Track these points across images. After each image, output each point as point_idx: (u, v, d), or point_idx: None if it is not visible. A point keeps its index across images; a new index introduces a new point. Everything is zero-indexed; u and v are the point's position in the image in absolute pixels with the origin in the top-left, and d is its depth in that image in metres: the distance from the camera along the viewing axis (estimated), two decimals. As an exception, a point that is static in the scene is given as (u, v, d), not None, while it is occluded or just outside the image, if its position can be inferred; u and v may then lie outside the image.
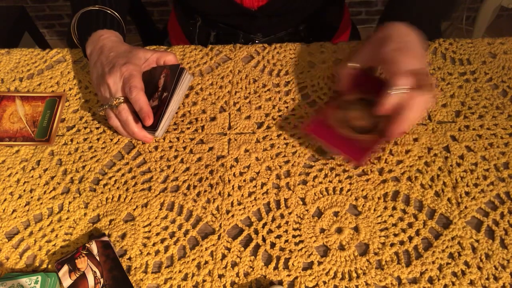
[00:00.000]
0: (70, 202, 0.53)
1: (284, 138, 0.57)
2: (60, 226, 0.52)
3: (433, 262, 0.47)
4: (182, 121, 0.60)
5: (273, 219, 0.51)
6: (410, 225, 0.50)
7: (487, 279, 0.46)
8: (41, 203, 0.53)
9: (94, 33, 0.59)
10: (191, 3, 0.77)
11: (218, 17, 0.75)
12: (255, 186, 0.54)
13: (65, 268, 0.46)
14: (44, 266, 0.49)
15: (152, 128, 0.55)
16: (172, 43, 0.89)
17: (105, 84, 0.55)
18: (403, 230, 0.50)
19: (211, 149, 0.57)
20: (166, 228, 0.51)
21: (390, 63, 0.49)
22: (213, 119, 0.60)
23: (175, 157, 0.57)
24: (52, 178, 0.56)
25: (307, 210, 0.51)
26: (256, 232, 0.50)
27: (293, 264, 0.48)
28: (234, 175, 0.55)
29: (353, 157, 0.52)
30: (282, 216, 0.51)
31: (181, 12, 0.83)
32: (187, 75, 0.58)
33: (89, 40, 0.59)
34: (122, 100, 0.54)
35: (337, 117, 0.54)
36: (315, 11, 0.75)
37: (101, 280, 0.46)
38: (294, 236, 0.50)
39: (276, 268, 0.48)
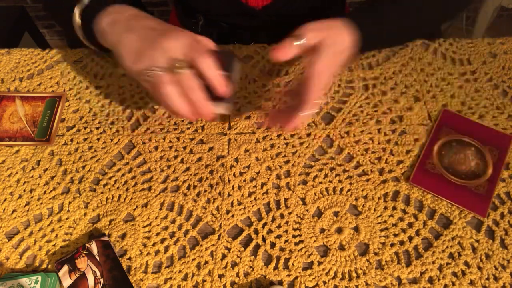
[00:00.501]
0: (70, 202, 0.53)
1: (284, 138, 0.57)
2: (60, 226, 0.52)
3: (433, 262, 0.47)
4: (182, 121, 0.60)
5: (273, 219, 0.51)
6: (410, 225, 0.50)
7: (487, 279, 0.46)
8: (41, 203, 0.53)
9: (111, 7, 0.49)
10: (193, 3, 0.77)
11: (220, 16, 0.74)
12: (255, 186, 0.54)
13: (65, 268, 0.46)
14: (44, 266, 0.49)
15: (221, 100, 0.46)
16: None
17: (158, 48, 0.44)
18: (403, 230, 0.50)
19: (211, 149, 0.57)
20: (166, 228, 0.51)
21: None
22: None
23: (175, 157, 0.57)
24: (52, 178, 0.56)
25: (307, 210, 0.51)
26: (256, 232, 0.50)
27: (293, 264, 0.48)
28: (234, 175, 0.55)
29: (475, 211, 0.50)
30: (282, 216, 0.51)
31: (182, 12, 0.83)
32: (237, 64, 0.50)
33: (103, 13, 0.49)
34: (185, 65, 0.43)
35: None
36: (319, 11, 0.75)
37: (101, 280, 0.46)
38: (294, 236, 0.50)
39: (276, 268, 0.48)
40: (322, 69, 0.45)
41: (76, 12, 0.51)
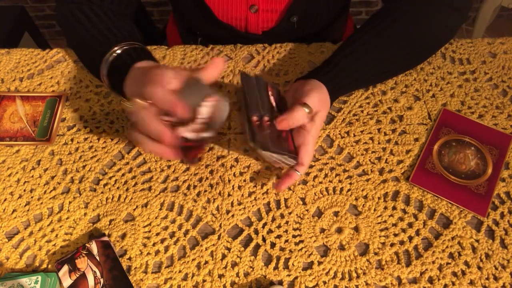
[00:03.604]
0: (70, 202, 0.53)
1: (284, 138, 0.57)
2: (60, 226, 0.52)
3: (433, 262, 0.47)
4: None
5: (273, 219, 0.51)
6: (410, 225, 0.50)
7: (487, 279, 0.46)
8: (41, 203, 0.53)
9: (130, 71, 0.52)
10: (193, 28, 0.77)
11: (220, 38, 0.74)
12: (255, 186, 0.54)
13: (65, 268, 0.46)
14: (44, 266, 0.49)
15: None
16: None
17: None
18: (403, 230, 0.50)
19: (211, 149, 0.57)
20: (166, 228, 0.51)
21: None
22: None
23: (175, 157, 0.57)
24: (53, 178, 0.56)
25: (307, 210, 0.51)
26: (256, 232, 0.50)
27: (293, 264, 0.48)
28: (234, 175, 0.55)
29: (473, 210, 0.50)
30: (282, 216, 0.51)
31: (182, 27, 0.83)
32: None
33: (127, 79, 0.52)
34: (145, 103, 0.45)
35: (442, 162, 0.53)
36: (321, 29, 0.75)
37: (101, 280, 0.46)
38: (294, 236, 0.50)
39: (276, 268, 0.48)
40: (315, 136, 0.52)
41: (104, 71, 0.54)
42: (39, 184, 0.55)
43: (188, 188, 0.54)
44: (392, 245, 0.49)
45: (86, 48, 0.59)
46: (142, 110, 0.44)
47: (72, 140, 0.59)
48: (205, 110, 0.44)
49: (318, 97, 0.51)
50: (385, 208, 0.51)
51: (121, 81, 0.52)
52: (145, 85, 0.44)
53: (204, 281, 0.47)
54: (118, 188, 0.54)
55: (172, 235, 0.51)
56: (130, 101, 0.46)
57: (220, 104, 0.45)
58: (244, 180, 0.54)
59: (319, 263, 0.48)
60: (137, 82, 0.48)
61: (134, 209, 0.53)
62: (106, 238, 0.49)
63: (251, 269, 0.48)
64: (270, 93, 0.52)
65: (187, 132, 0.44)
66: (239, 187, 0.54)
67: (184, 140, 0.45)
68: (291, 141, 0.51)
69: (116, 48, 0.54)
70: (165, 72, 0.45)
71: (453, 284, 0.46)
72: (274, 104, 0.52)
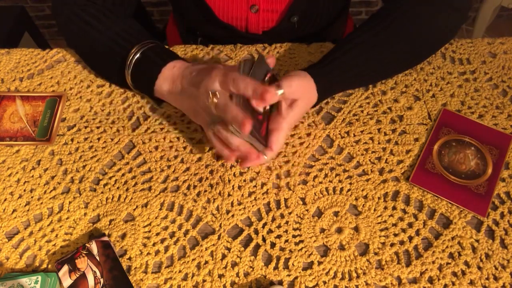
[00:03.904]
0: (70, 202, 0.53)
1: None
2: (60, 226, 0.52)
3: (433, 262, 0.47)
4: (182, 120, 0.60)
5: (273, 219, 0.51)
6: (410, 225, 0.50)
7: (487, 279, 0.46)
8: (41, 203, 0.53)
9: (161, 71, 0.55)
10: (193, 28, 0.77)
11: (220, 38, 0.75)
12: (255, 186, 0.54)
13: (65, 268, 0.46)
14: (44, 266, 0.49)
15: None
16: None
17: (202, 93, 0.50)
18: (403, 230, 0.50)
19: (210, 149, 0.57)
20: (166, 228, 0.51)
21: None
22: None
23: (175, 157, 0.57)
24: (53, 177, 0.56)
25: (307, 210, 0.51)
26: (256, 232, 0.50)
27: (293, 264, 0.48)
28: (234, 175, 0.55)
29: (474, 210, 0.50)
30: (282, 216, 0.51)
31: (182, 27, 0.83)
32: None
33: (159, 79, 0.55)
34: (221, 92, 0.48)
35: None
36: (321, 29, 0.75)
37: (101, 280, 0.46)
38: (294, 236, 0.50)
39: (276, 268, 0.48)
40: (290, 124, 0.51)
41: (128, 76, 0.58)
42: (39, 184, 0.55)
43: (188, 188, 0.54)
44: (392, 245, 0.49)
45: (101, 50, 0.59)
46: (226, 99, 0.46)
47: (72, 140, 0.59)
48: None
49: (298, 83, 0.51)
50: (385, 208, 0.51)
51: (151, 80, 0.55)
52: (226, 79, 0.46)
53: (204, 281, 0.47)
54: (118, 188, 0.54)
55: (172, 235, 0.51)
56: (211, 96, 0.47)
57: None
58: (244, 180, 0.54)
59: (319, 263, 0.48)
60: (197, 78, 0.51)
61: (134, 209, 0.53)
62: (106, 238, 0.49)
63: (251, 269, 0.48)
64: (267, 77, 0.51)
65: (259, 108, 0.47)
66: (239, 187, 0.54)
67: (256, 115, 0.48)
68: (265, 125, 0.50)
69: (136, 49, 0.55)
70: (226, 67, 0.49)
71: (453, 284, 0.46)
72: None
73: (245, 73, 0.48)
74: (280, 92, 0.48)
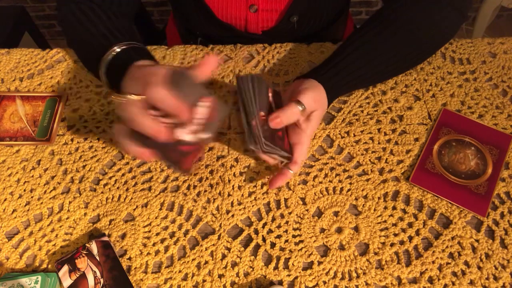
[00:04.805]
0: (70, 202, 0.53)
1: (284, 138, 0.57)
2: (60, 226, 0.52)
3: (433, 262, 0.47)
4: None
5: (273, 219, 0.51)
6: (410, 225, 0.50)
7: (487, 279, 0.46)
8: (41, 203, 0.53)
9: (126, 72, 0.51)
10: (192, 28, 0.77)
11: (220, 38, 0.74)
12: (255, 186, 0.54)
13: (65, 268, 0.46)
14: (44, 266, 0.49)
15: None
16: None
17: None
18: (403, 230, 0.50)
19: (211, 149, 0.57)
20: (166, 228, 0.51)
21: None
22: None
23: (175, 157, 0.57)
24: (53, 177, 0.56)
25: (307, 210, 0.51)
26: (256, 232, 0.50)
27: (293, 264, 0.48)
28: (234, 175, 0.55)
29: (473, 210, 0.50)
30: (282, 216, 0.51)
31: (182, 27, 0.83)
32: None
33: (124, 79, 0.51)
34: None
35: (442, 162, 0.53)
36: (321, 29, 0.75)
37: (101, 280, 0.46)
38: (294, 236, 0.50)
39: (276, 268, 0.48)
40: (310, 135, 0.52)
41: (103, 70, 0.54)
42: (39, 184, 0.55)
43: (188, 188, 0.54)
44: (392, 245, 0.49)
45: (85, 47, 0.59)
46: (135, 104, 0.43)
47: (72, 140, 0.59)
48: (201, 110, 0.43)
49: (313, 96, 0.51)
50: (385, 208, 0.51)
51: (119, 80, 0.51)
52: (147, 85, 0.43)
53: (204, 281, 0.47)
54: (118, 188, 0.54)
55: (172, 235, 0.51)
56: (120, 95, 0.44)
57: (216, 105, 0.44)
58: (244, 180, 0.54)
59: (319, 263, 0.48)
60: (137, 81, 0.47)
61: (134, 209, 0.53)
62: (106, 238, 0.49)
63: (251, 269, 0.48)
64: (270, 94, 0.52)
65: (185, 134, 0.43)
66: (239, 187, 0.54)
67: (180, 144, 0.43)
68: (286, 140, 0.51)
69: (115, 47, 0.54)
70: (165, 72, 0.44)
71: (453, 284, 0.46)
72: (272, 103, 0.52)
73: (248, 98, 0.48)
74: (301, 108, 0.49)
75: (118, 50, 0.53)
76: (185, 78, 0.44)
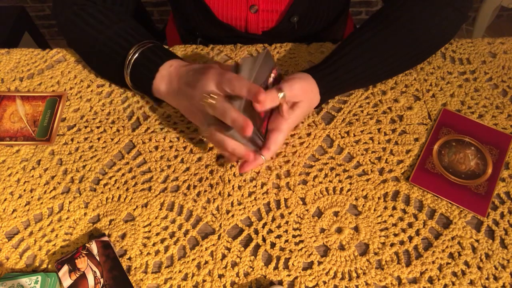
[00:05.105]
0: (70, 202, 0.53)
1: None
2: (60, 226, 0.52)
3: (433, 262, 0.47)
4: (182, 120, 0.60)
5: (273, 219, 0.51)
6: (410, 225, 0.50)
7: (487, 279, 0.46)
8: (41, 203, 0.53)
9: (159, 70, 0.55)
10: (192, 29, 0.77)
11: (220, 38, 0.75)
12: (255, 186, 0.54)
13: (65, 268, 0.46)
14: (44, 266, 0.49)
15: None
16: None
17: (197, 93, 0.49)
18: (403, 230, 0.50)
19: (211, 149, 0.57)
20: (166, 228, 0.51)
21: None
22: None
23: (175, 157, 0.57)
24: (53, 177, 0.56)
25: (307, 210, 0.51)
26: (256, 232, 0.50)
27: (293, 264, 0.48)
28: (234, 175, 0.55)
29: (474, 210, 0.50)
30: (282, 216, 0.51)
31: (181, 26, 0.83)
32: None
33: (157, 78, 0.55)
34: (218, 94, 0.47)
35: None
36: (321, 30, 0.75)
37: (101, 280, 0.46)
38: (294, 236, 0.50)
39: (276, 268, 0.48)
40: (291, 125, 0.52)
41: (127, 76, 0.58)
42: (39, 184, 0.55)
43: (188, 188, 0.54)
44: (392, 245, 0.49)
45: (100, 50, 0.59)
46: (224, 101, 0.46)
47: (72, 140, 0.59)
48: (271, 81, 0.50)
49: (300, 86, 0.51)
50: (385, 208, 0.51)
51: (149, 80, 0.55)
52: (222, 79, 0.46)
53: (204, 281, 0.47)
54: (118, 188, 0.54)
55: (172, 235, 0.51)
56: (211, 96, 0.47)
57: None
58: (244, 180, 0.54)
59: (319, 263, 0.48)
60: (195, 74, 0.51)
61: (134, 209, 0.53)
62: (106, 238, 0.49)
63: (251, 269, 0.48)
64: (272, 74, 0.51)
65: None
66: (239, 187, 0.54)
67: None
68: (265, 124, 0.50)
69: (135, 48, 0.55)
70: (223, 66, 0.50)
71: (453, 284, 0.46)
72: (270, 85, 0.51)
73: (247, 72, 0.48)
74: (281, 95, 0.48)
75: (142, 49, 0.56)
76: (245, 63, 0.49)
